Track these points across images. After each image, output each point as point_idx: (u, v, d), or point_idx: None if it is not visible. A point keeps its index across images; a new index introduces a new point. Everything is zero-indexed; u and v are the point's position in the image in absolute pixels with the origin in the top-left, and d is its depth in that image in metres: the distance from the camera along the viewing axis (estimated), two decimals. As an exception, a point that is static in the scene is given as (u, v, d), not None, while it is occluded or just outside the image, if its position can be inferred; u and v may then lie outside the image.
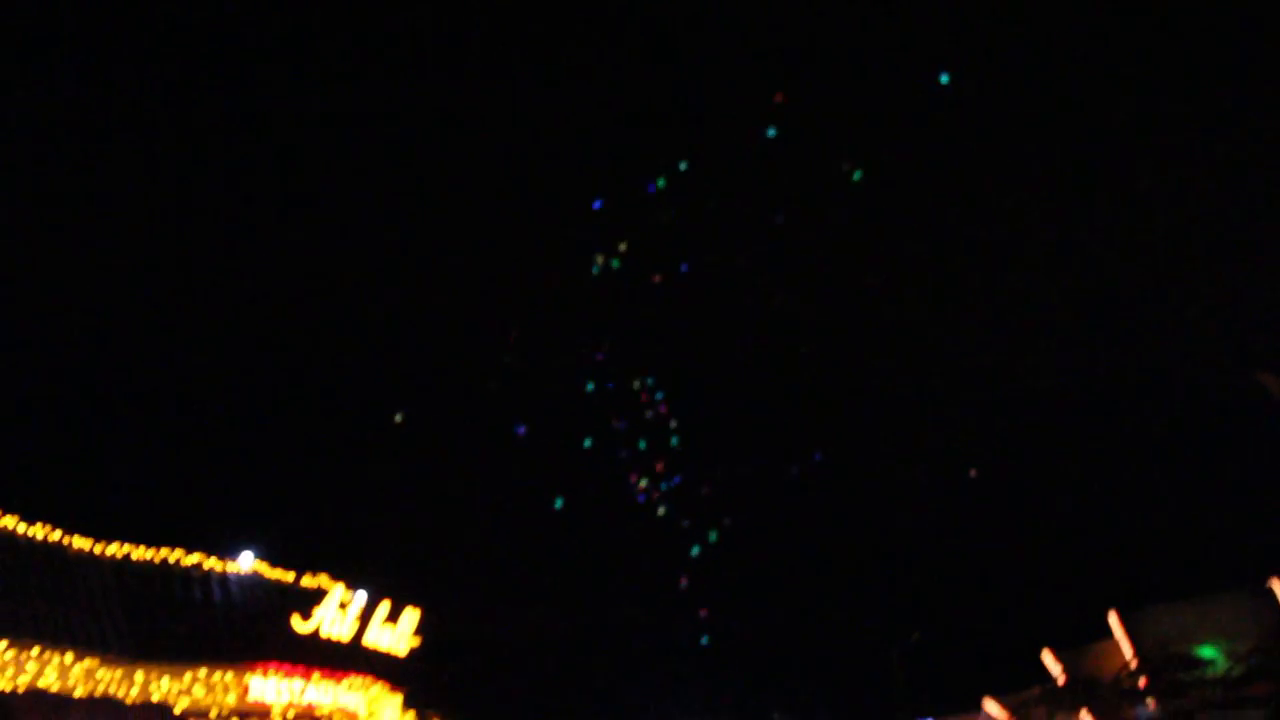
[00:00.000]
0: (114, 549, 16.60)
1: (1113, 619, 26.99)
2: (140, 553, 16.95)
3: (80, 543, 16.08)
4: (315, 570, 19.76)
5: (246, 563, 18.56)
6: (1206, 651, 23.44)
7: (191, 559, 17.65)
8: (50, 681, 14.75)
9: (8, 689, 13.87)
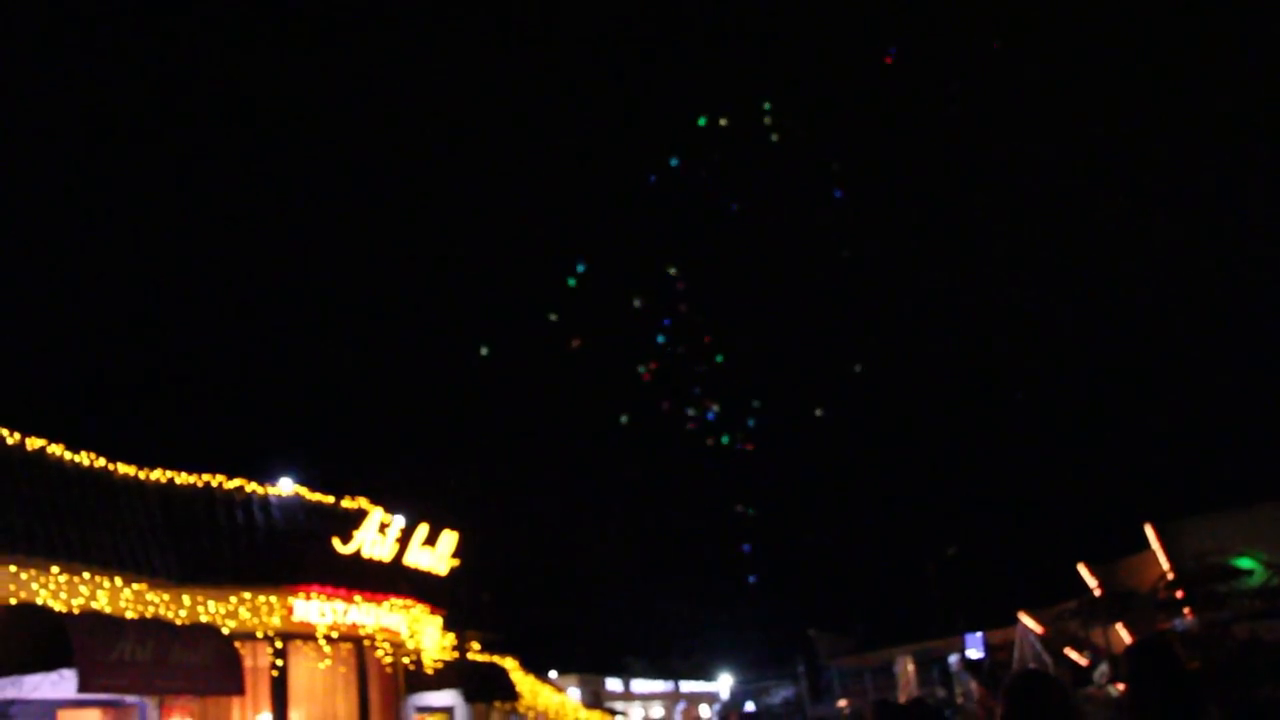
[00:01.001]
0: (158, 475, 16.97)
1: (1148, 530, 27.14)
2: (183, 479, 17.33)
3: (125, 469, 16.45)
4: (354, 494, 20.20)
5: (287, 487, 18.97)
6: (1244, 562, 23.60)
7: (233, 484, 18.05)
8: (103, 604, 15.23)
9: (63, 610, 14.36)
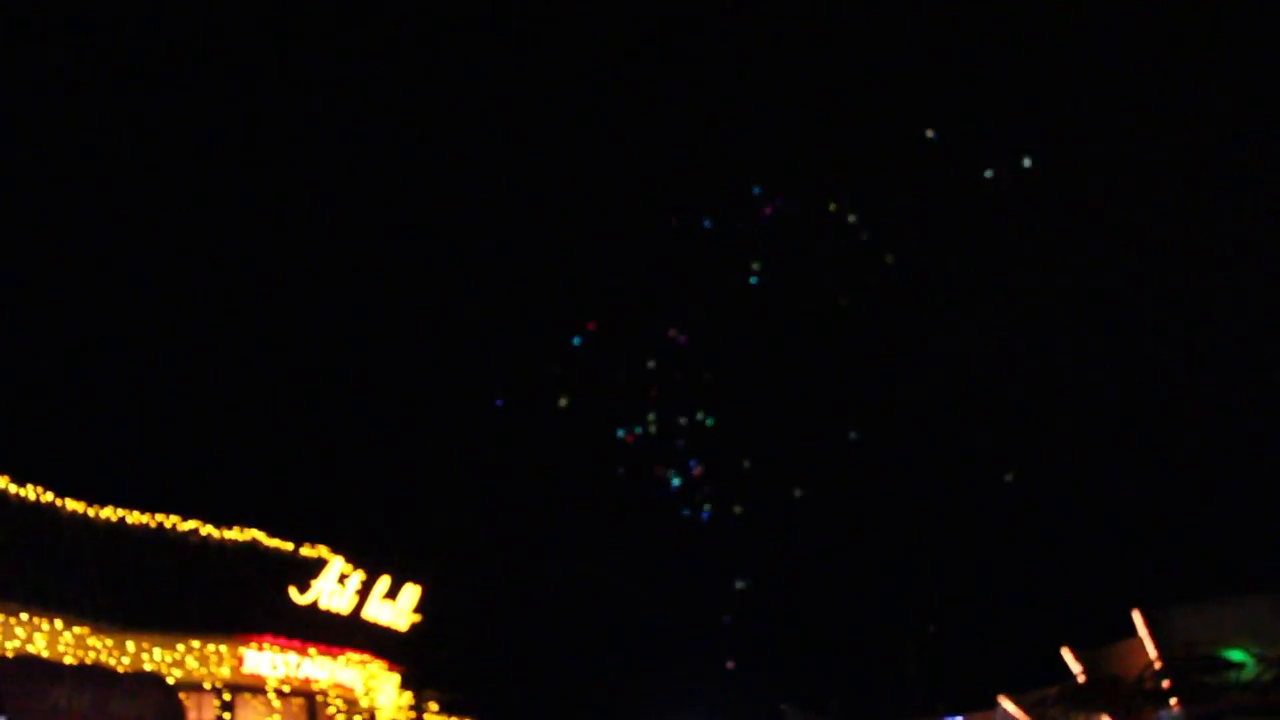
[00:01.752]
0: (108, 513, 16.53)
1: (1136, 617, 26.78)
2: (135, 517, 16.89)
3: (73, 505, 16.00)
4: (314, 541, 19.74)
5: (243, 531, 18.54)
6: (1235, 655, 23.19)
7: (187, 525, 17.60)
8: (39, 648, 14.72)
9: (-5, 653, 13.82)
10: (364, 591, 20.50)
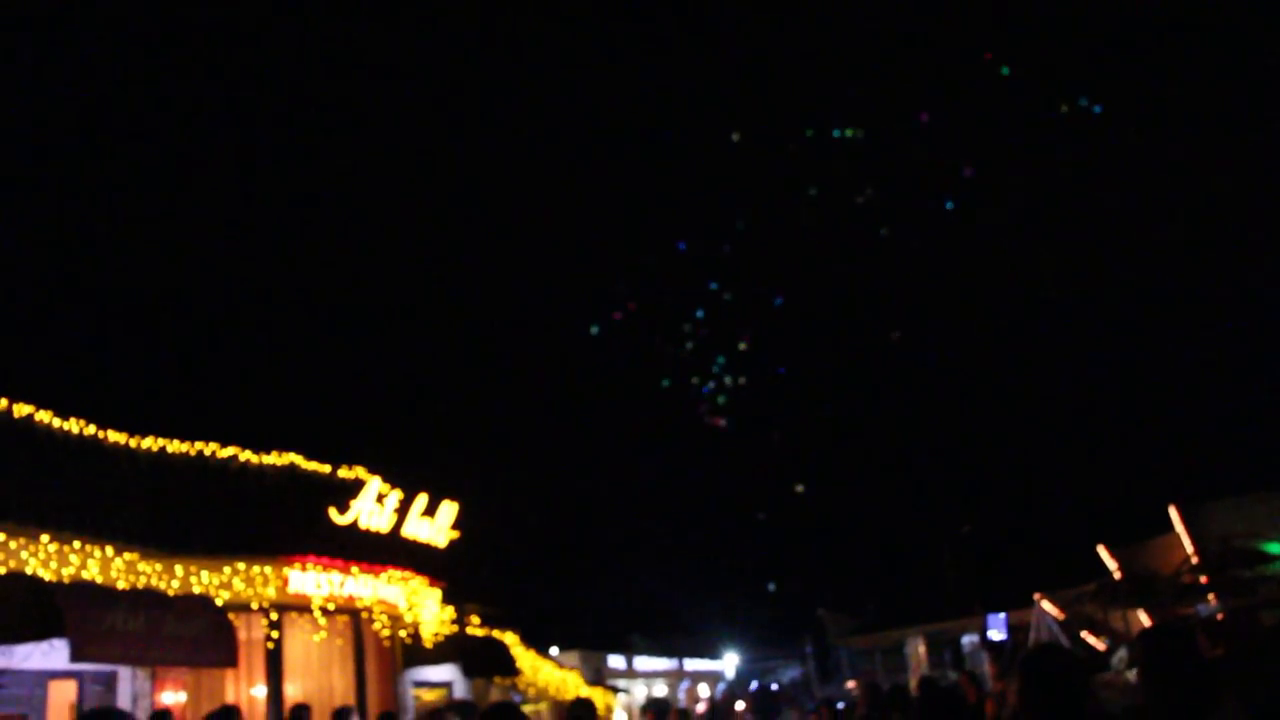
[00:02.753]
0: (149, 443, 17.05)
1: (1172, 512, 27.07)
2: (175, 446, 17.42)
3: (115, 436, 16.53)
4: (350, 463, 20.29)
5: (282, 455, 19.06)
6: (1273, 547, 23.50)
7: (227, 452, 18.14)
8: (93, 574, 15.37)
9: (53, 579, 14.51)
10: (402, 510, 21.09)
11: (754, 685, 60.05)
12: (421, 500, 21.79)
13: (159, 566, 16.49)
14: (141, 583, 16.07)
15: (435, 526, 22.48)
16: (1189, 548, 26.17)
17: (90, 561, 15.39)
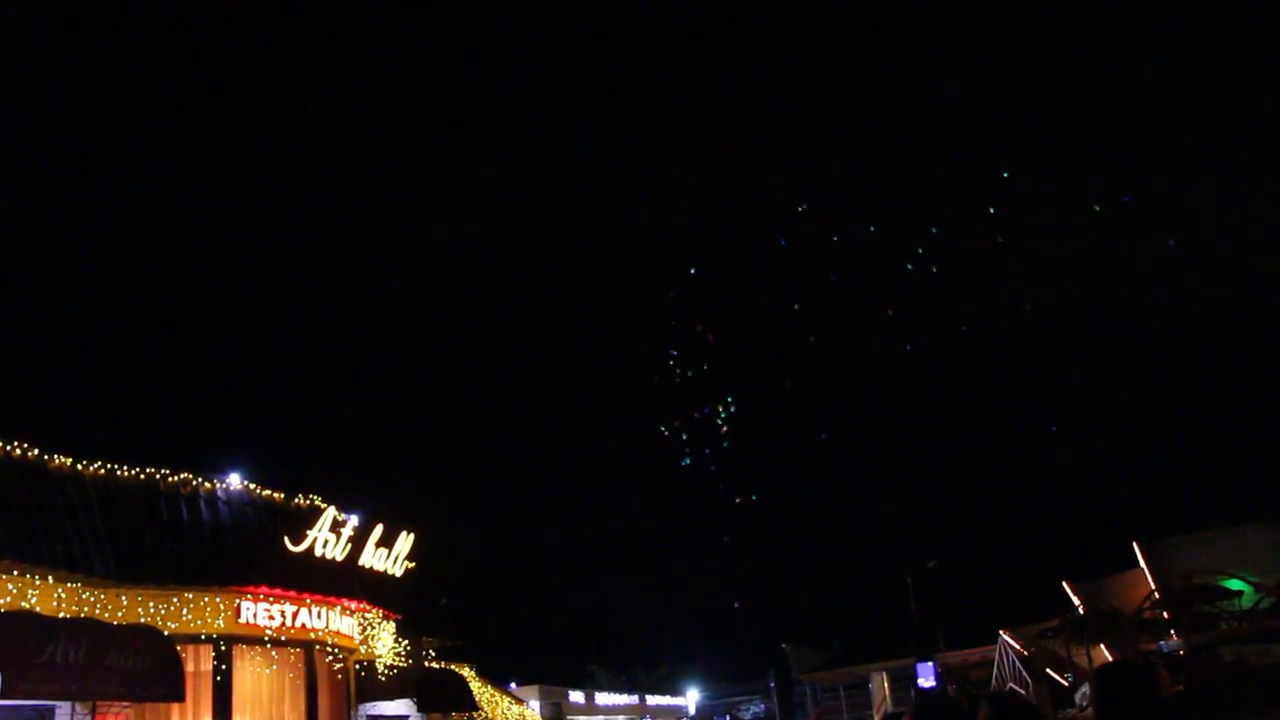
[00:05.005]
0: (97, 467, 16.72)
1: (1136, 549, 27.42)
2: (125, 472, 17.10)
3: (61, 460, 16.20)
4: (306, 491, 20.04)
5: (235, 482, 18.79)
6: (1233, 584, 23.84)
7: (178, 478, 17.83)
8: (33, 603, 15.02)
9: (-9, 609, 14.15)
10: (358, 540, 20.81)
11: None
12: (378, 530, 21.52)
13: (103, 595, 16.14)
14: (84, 612, 15.71)
15: (392, 557, 22.20)
16: (1152, 583, 26.48)
17: (30, 591, 15.04)
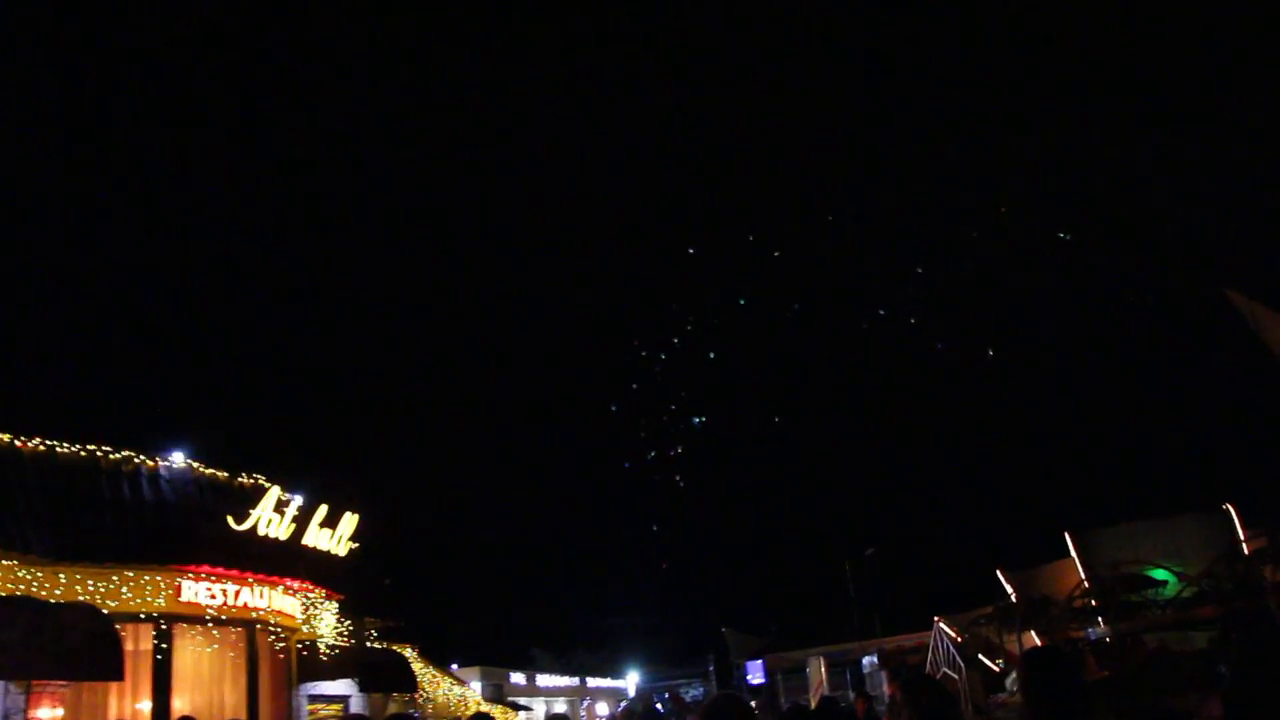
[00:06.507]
0: (36, 444, 16.50)
1: (1068, 539, 28.20)
2: (65, 448, 16.89)
3: (0, 437, 15.98)
4: (250, 470, 19.93)
5: (178, 460, 18.63)
6: (1158, 574, 24.65)
7: (120, 455, 17.64)
8: (-33, 580, 14.81)
9: (-75, 586, 13.93)
10: (302, 520, 20.76)
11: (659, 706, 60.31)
12: (322, 510, 21.47)
13: (40, 574, 15.95)
14: (21, 591, 15.52)
15: (335, 537, 22.17)
16: (1081, 573, 27.25)
17: (-34, 567, 14.82)
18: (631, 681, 66.28)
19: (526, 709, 41.60)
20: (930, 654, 32.18)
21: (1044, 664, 4.44)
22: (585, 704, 59.28)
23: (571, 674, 60.28)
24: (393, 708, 26.08)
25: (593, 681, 61.85)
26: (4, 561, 15.39)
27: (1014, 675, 26.44)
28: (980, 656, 29.57)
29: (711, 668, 63.66)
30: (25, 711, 15.56)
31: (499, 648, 53.60)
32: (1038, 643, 28.61)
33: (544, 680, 54.30)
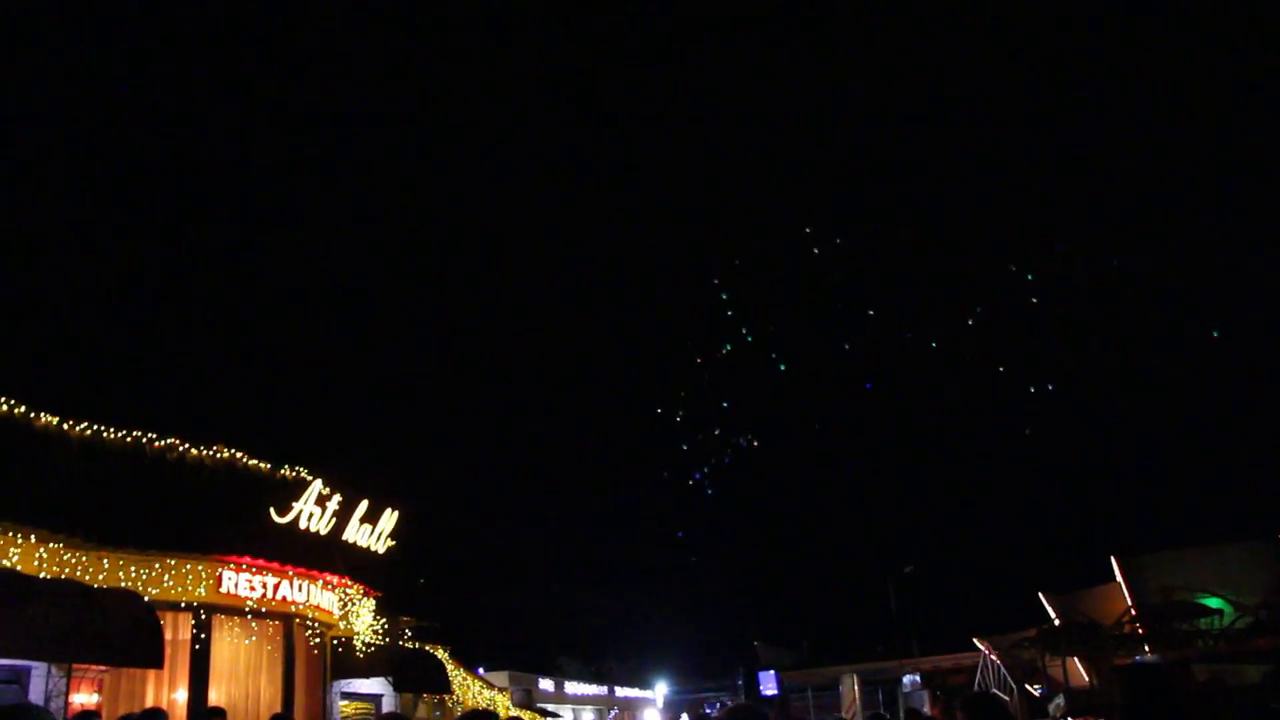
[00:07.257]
0: (84, 427, 16.58)
1: (1114, 563, 27.62)
2: (112, 433, 16.97)
3: (48, 419, 16.06)
4: (293, 463, 19.94)
5: (223, 450, 18.68)
6: (1211, 601, 24.03)
7: (165, 442, 17.71)
8: (14, 562, 14.89)
9: (-28, 565, 14.03)
10: (342, 514, 20.74)
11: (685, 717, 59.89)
12: (363, 506, 21.45)
13: (84, 558, 16.00)
14: (65, 574, 15.58)
15: (375, 533, 22.14)
16: (1129, 598, 26.68)
17: (12, 550, 14.90)
18: (660, 692, 65.92)
19: (555, 715, 41.45)
20: (979, 674, 31.66)
21: (1147, 680, 4.23)
22: (614, 714, 59.05)
23: (600, 683, 60.06)
24: (422, 709, 26.03)
25: (620, 691, 61.59)
26: (50, 544, 15.45)
27: (1058, 700, 25.90)
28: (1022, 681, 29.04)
29: (740, 680, 63.19)
30: (66, 695, 15.63)
31: (529, 654, 53.47)
32: (1081, 670, 28.04)
33: (572, 688, 54.13)
